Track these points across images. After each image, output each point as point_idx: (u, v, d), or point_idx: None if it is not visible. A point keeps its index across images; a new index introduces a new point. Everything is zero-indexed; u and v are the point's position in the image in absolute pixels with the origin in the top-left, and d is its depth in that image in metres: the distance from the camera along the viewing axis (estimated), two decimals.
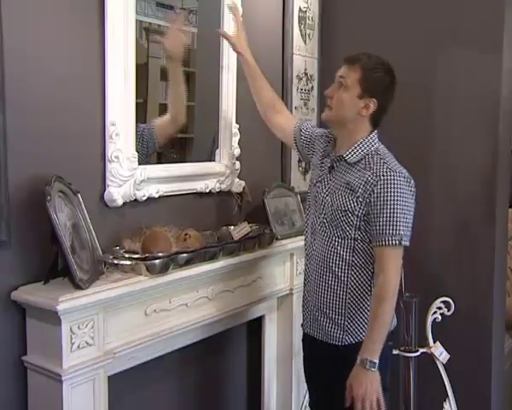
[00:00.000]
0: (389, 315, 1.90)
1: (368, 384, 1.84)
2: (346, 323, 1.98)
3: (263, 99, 2.34)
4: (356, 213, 1.91)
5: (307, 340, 2.15)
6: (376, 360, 1.85)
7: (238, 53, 2.35)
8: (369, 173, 1.91)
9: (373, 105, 1.95)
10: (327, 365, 2.04)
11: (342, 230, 1.95)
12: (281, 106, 2.37)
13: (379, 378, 1.87)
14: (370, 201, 1.89)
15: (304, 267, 2.17)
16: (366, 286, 1.98)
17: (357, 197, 1.91)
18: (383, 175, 1.88)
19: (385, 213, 1.87)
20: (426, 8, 2.85)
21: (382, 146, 2.00)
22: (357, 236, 1.94)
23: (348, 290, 1.97)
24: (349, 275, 1.97)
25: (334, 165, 2.02)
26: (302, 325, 2.17)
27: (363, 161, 1.95)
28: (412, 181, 1.94)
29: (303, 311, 2.16)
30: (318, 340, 2.05)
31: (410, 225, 1.91)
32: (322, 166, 2.09)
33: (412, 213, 1.92)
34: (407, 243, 1.90)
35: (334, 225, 1.97)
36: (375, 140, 2.00)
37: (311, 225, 2.09)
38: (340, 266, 1.97)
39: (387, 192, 1.87)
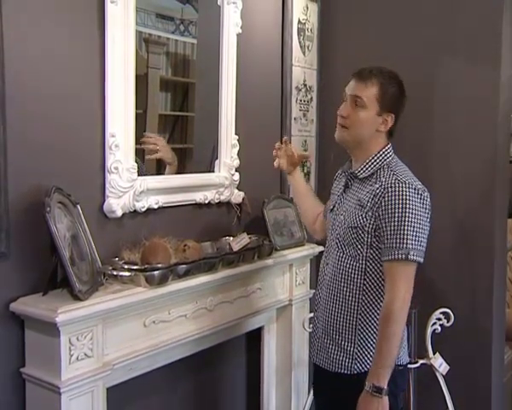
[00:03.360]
0: (397, 338, 1.76)
1: None
2: (356, 350, 1.88)
3: (310, 219, 2.30)
4: (366, 228, 1.83)
5: (315, 370, 2.05)
6: (383, 386, 1.73)
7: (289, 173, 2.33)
8: (377, 186, 1.83)
9: (391, 120, 1.91)
10: (334, 395, 1.95)
11: (354, 248, 1.87)
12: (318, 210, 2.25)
13: (387, 404, 1.75)
14: (379, 214, 1.80)
15: (315, 293, 2.08)
16: (377, 313, 1.85)
17: (367, 212, 1.83)
18: (391, 187, 1.80)
19: (392, 225, 1.78)
20: (424, 19, 2.86)
21: (396, 159, 1.93)
22: (369, 254, 1.85)
23: (358, 316, 1.87)
24: (360, 300, 1.87)
25: (349, 183, 1.96)
26: (309, 355, 2.08)
27: (374, 176, 1.88)
28: (425, 194, 1.83)
29: (311, 339, 2.07)
30: (325, 369, 1.95)
31: (422, 239, 1.79)
32: (337, 190, 2.04)
33: (424, 226, 1.80)
34: (415, 258, 1.77)
35: (346, 243, 1.89)
36: (388, 154, 1.92)
37: (326, 248, 2.03)
38: (351, 289, 1.88)
39: (394, 204, 1.78)
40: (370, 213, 1.82)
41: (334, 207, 2.03)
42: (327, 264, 2.00)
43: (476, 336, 2.75)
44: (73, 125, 1.96)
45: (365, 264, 1.86)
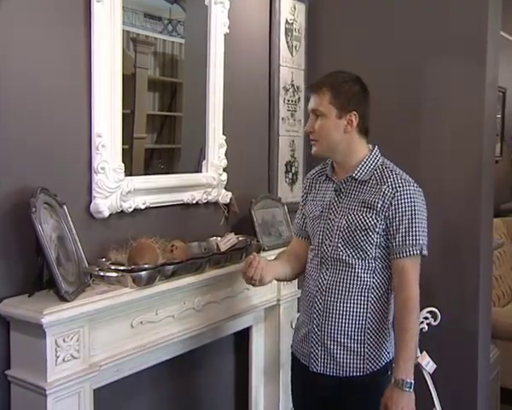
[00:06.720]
0: (417, 328, 1.88)
1: (404, 406, 1.80)
2: (367, 350, 1.91)
3: (300, 268, 2.14)
4: (376, 229, 1.88)
5: (318, 381, 1.96)
6: (412, 380, 1.81)
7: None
8: (385, 187, 1.88)
9: (355, 118, 1.92)
10: (347, 401, 1.93)
11: (362, 250, 1.89)
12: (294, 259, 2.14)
13: (414, 399, 1.82)
14: (389, 214, 1.87)
15: (305, 303, 2.02)
16: (385, 309, 1.93)
17: (377, 213, 1.87)
18: (399, 187, 1.88)
19: (404, 224, 1.86)
20: (411, 20, 2.88)
21: (386, 160, 1.98)
22: (377, 254, 1.90)
23: (368, 315, 1.91)
24: (369, 298, 1.91)
25: (342, 187, 1.96)
26: (306, 367, 1.98)
27: (373, 177, 1.92)
28: (421, 191, 1.94)
29: (302, 348, 2.01)
30: (331, 376, 1.93)
31: (427, 233, 1.91)
32: (323, 195, 2.02)
33: (426, 221, 1.91)
34: (426, 253, 1.90)
35: (353, 246, 1.90)
36: (379, 155, 1.97)
37: (320, 255, 1.97)
38: (360, 289, 1.90)
39: (405, 203, 1.87)
40: (381, 215, 1.88)
41: (322, 212, 2.00)
42: (321, 269, 1.96)
43: (463, 334, 2.77)
44: (60, 125, 1.95)
45: (374, 263, 1.91)
